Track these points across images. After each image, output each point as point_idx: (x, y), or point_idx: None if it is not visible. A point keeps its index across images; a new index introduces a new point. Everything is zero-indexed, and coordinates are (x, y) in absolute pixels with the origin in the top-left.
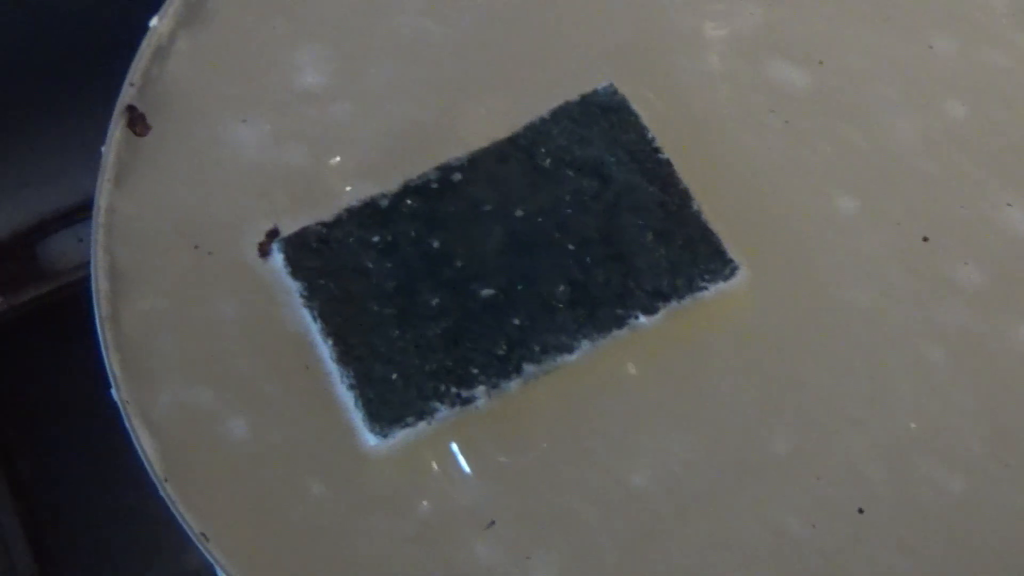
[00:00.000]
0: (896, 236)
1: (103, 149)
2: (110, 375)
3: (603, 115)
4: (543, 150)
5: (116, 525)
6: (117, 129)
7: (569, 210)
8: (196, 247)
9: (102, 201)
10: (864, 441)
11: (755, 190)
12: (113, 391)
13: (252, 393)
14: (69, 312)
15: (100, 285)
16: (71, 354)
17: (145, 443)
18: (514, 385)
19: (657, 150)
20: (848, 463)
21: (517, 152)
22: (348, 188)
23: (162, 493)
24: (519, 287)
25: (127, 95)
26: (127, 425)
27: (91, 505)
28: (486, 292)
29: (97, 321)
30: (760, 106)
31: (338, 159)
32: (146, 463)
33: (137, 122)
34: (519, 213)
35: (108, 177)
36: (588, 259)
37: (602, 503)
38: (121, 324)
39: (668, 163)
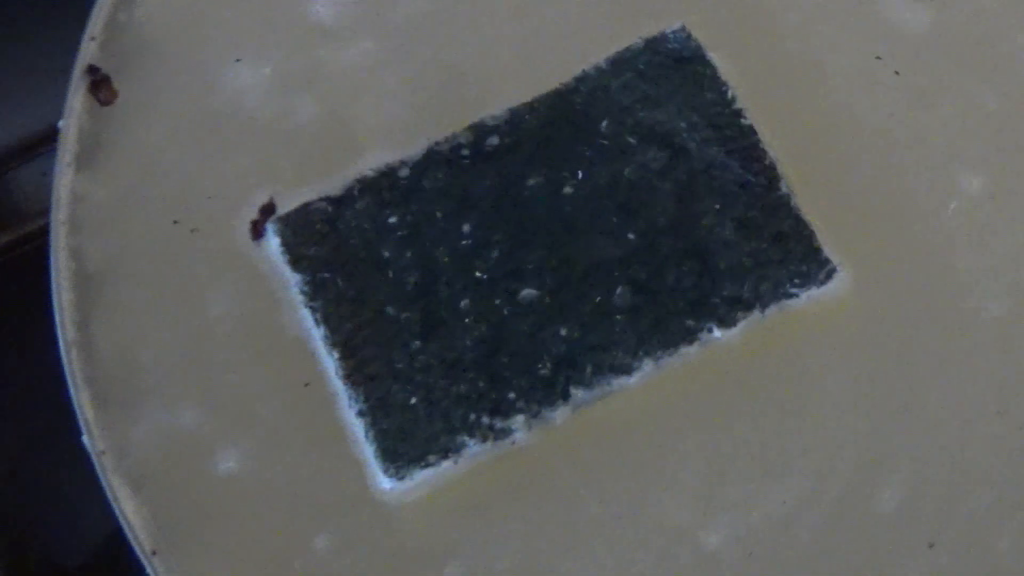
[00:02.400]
0: None
1: (60, 124)
2: (81, 420)
3: (674, 67)
4: (599, 109)
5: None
6: (77, 97)
7: (632, 189)
8: (176, 222)
9: (62, 190)
10: (992, 495)
11: (859, 166)
12: (85, 438)
13: (244, 417)
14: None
15: (64, 300)
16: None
17: (127, 508)
18: (560, 415)
19: (739, 114)
20: (973, 523)
21: (568, 111)
22: (363, 154)
23: (148, 570)
24: (568, 288)
25: (87, 53)
26: (103, 481)
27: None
28: (527, 293)
29: (62, 349)
30: (866, 53)
31: (352, 115)
32: (128, 532)
33: (101, 87)
34: (569, 191)
35: (68, 159)
36: (654, 254)
37: (667, 568)
38: (93, 349)
39: (752, 131)
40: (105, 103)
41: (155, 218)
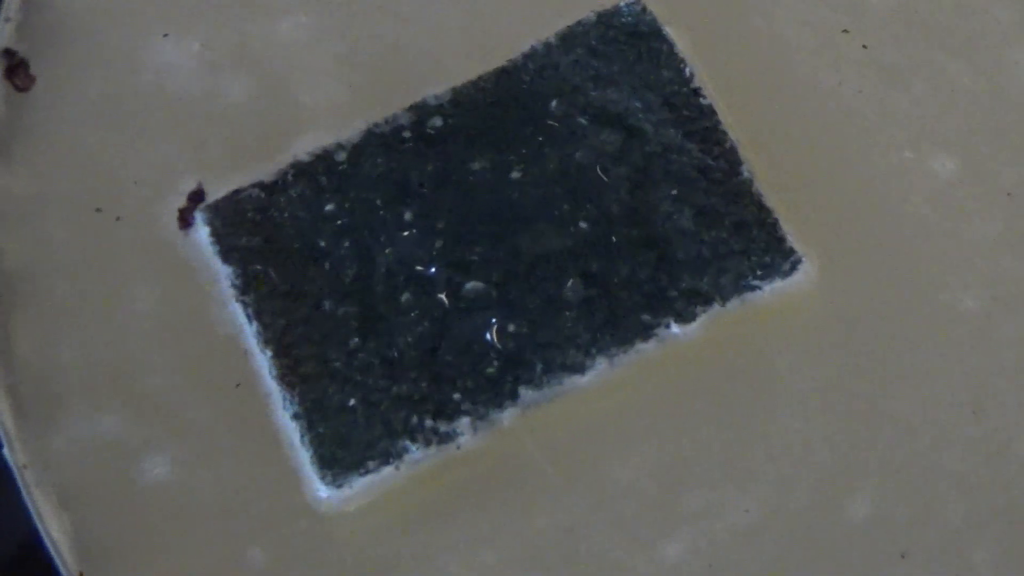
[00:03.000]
0: (1011, 211)
1: None
2: (1, 432)
3: (628, 42)
4: (549, 88)
5: None
6: None
7: (583, 174)
8: (99, 211)
9: None
10: (967, 503)
11: (825, 148)
12: (5, 451)
13: (172, 421)
14: None
15: None
16: None
17: (52, 526)
18: (508, 416)
19: (698, 92)
20: (947, 533)
21: (515, 90)
22: (298, 136)
23: None
24: (516, 281)
25: (2, 36)
26: (25, 497)
27: None
28: (472, 286)
29: None
30: (832, 26)
31: (286, 94)
32: (52, 551)
33: (17, 72)
34: (516, 175)
35: None
36: (607, 244)
37: None
38: (12, 354)
39: (711, 111)
40: (22, 89)
41: (77, 207)
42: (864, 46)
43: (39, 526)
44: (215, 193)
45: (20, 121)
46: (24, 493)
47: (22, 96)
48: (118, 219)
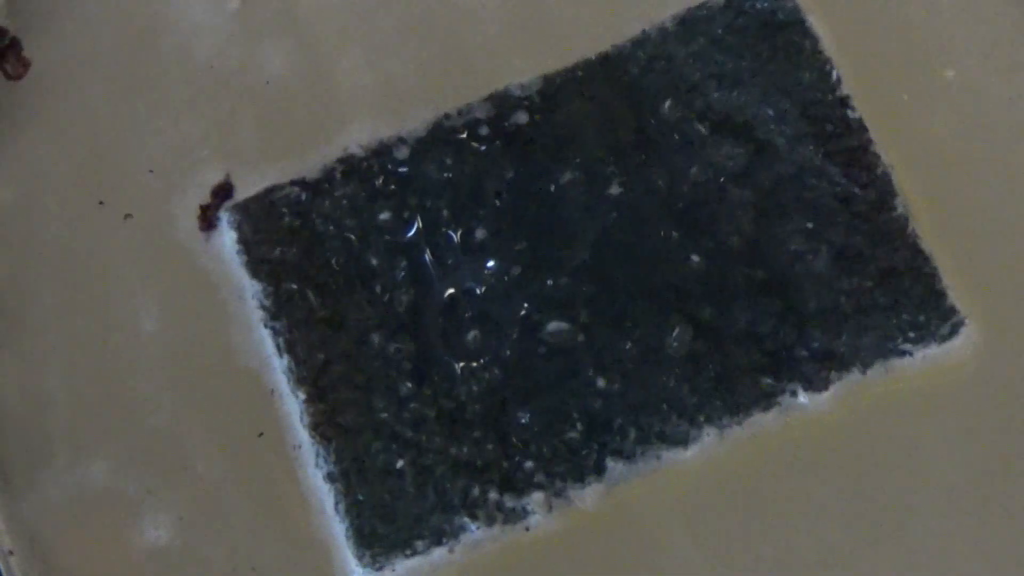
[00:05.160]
0: None
1: None
2: None
3: (761, 33)
4: (661, 85)
5: None
6: None
7: (698, 196)
8: (102, 203)
9: None
10: None
11: (1003, 181)
12: None
13: (178, 474)
14: None
15: None
16: None
17: None
18: (591, 494)
19: (846, 103)
20: None
21: (619, 84)
22: (349, 124)
23: None
24: (608, 323)
25: None
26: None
27: None
28: (555, 327)
29: None
30: (1013, 25)
31: (337, 70)
32: None
33: (8, 56)
34: (615, 192)
35: None
36: (723, 285)
37: None
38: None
39: (862, 127)
40: (16, 77)
41: (76, 202)
42: None
43: None
44: (245, 189)
45: (13, 115)
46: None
47: (15, 84)
48: (127, 217)
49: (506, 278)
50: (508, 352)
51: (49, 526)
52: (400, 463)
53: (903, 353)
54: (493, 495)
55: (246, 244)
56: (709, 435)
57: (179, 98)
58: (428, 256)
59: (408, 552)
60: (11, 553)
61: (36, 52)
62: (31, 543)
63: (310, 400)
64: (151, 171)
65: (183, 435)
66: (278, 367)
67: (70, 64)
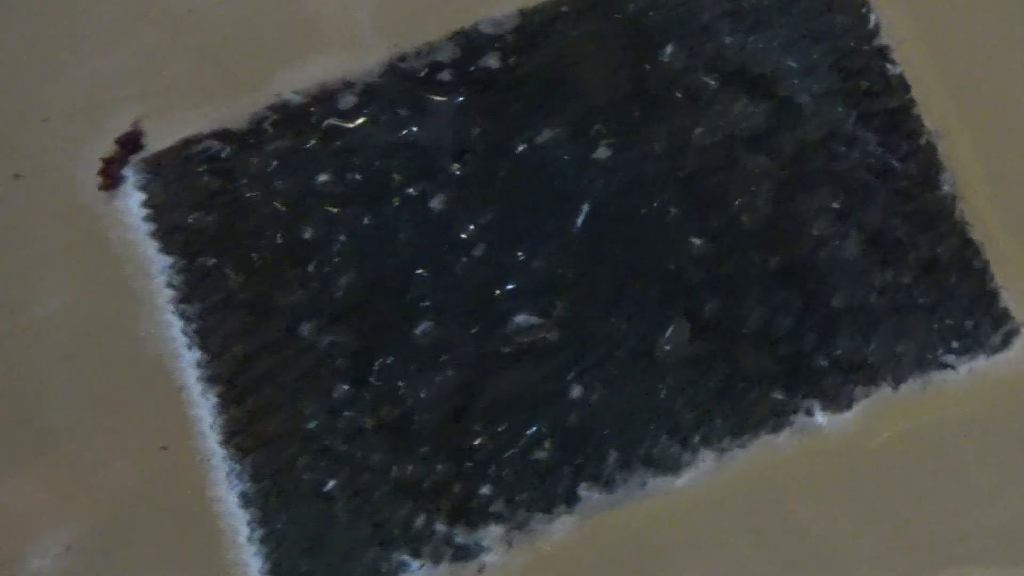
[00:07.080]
0: None
1: None
2: None
3: None
4: (663, 26)
5: None
6: None
7: (704, 163)
8: None
9: None
10: None
11: None
12: None
13: (70, 489)
14: None
15: None
16: None
17: None
18: (559, 528)
19: (884, 53)
20: None
21: (612, 23)
22: (285, 64)
23: None
24: (589, 316)
25: None
26: None
27: None
28: (523, 320)
29: None
30: None
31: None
32: None
33: None
34: (603, 154)
35: None
36: (731, 274)
37: None
38: None
39: (903, 84)
40: None
41: None
42: None
43: None
44: (158, 141)
45: None
46: None
47: None
48: (16, 177)
49: (466, 259)
50: (466, 350)
51: None
52: (330, 484)
53: (944, 366)
54: (441, 527)
55: (155, 208)
56: (705, 460)
57: (81, 27)
58: (374, 228)
59: None
60: None
61: None
62: None
63: (224, 403)
64: (45, 119)
65: (78, 444)
66: (187, 361)
67: None
